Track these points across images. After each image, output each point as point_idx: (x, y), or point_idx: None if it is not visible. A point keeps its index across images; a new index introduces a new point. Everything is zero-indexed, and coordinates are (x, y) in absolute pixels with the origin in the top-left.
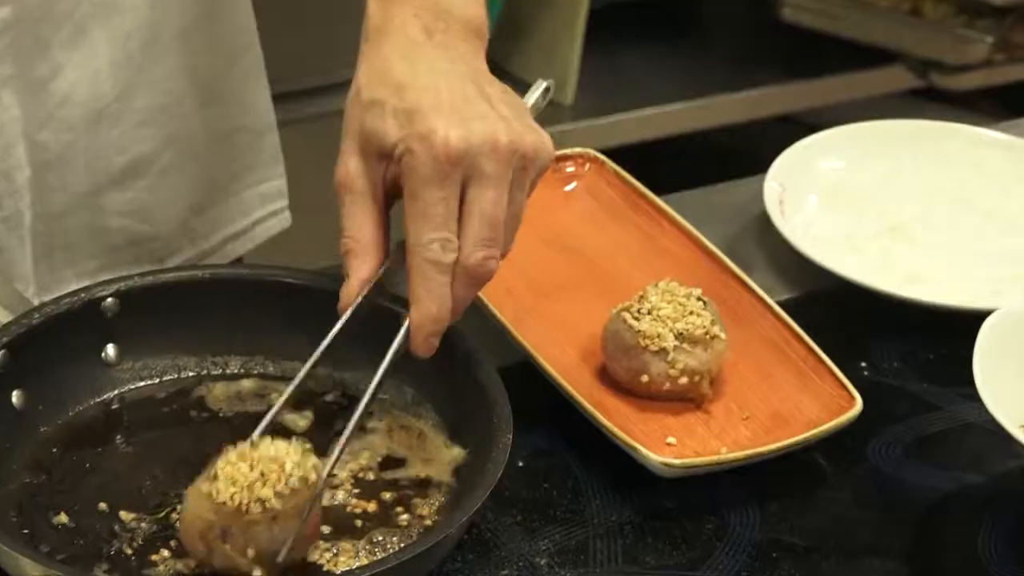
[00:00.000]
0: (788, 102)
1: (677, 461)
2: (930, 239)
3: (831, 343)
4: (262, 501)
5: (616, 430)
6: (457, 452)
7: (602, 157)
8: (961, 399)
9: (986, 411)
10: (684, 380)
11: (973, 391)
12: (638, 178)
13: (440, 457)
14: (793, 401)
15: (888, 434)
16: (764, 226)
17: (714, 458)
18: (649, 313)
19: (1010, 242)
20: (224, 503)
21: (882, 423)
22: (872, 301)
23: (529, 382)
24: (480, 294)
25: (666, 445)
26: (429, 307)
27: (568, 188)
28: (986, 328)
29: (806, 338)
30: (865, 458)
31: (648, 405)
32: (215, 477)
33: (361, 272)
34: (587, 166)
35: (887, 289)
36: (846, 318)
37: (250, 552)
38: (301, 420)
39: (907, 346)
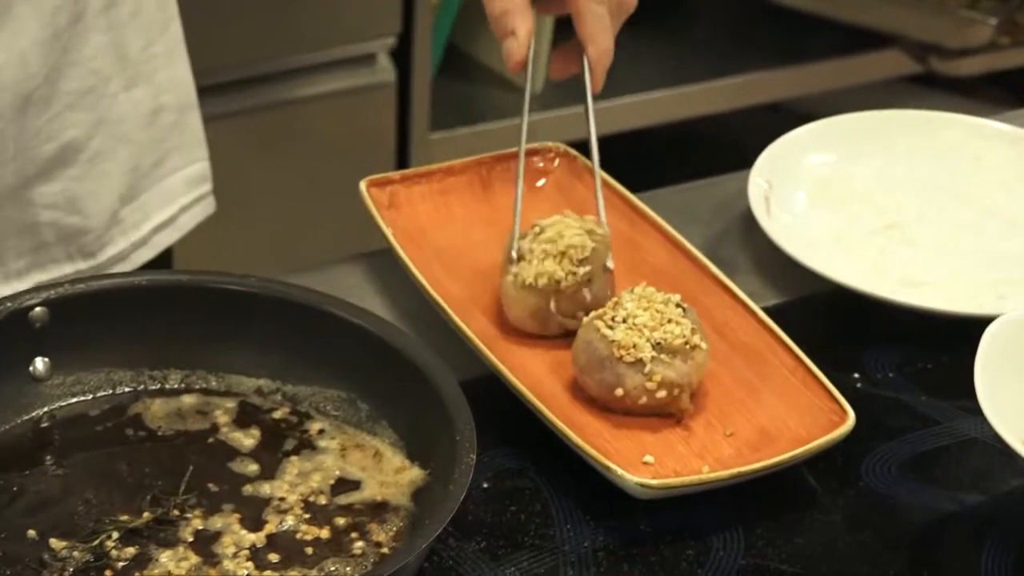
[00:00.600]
0: (776, 90)
1: (655, 482)
2: (928, 239)
3: (821, 352)
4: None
5: (589, 448)
6: (416, 473)
7: (573, 151)
8: (961, 412)
9: (988, 425)
10: (662, 394)
11: (974, 404)
12: (612, 174)
13: (398, 479)
14: (780, 416)
15: (883, 451)
16: (749, 226)
17: (695, 478)
18: (624, 321)
19: (1014, 242)
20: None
21: (876, 439)
22: (865, 307)
23: (495, 397)
24: (444, 303)
25: (643, 464)
26: (605, 42)
27: (537, 184)
28: (988, 335)
29: (794, 347)
30: (858, 477)
31: (623, 421)
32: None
33: (526, 24)
34: (557, 160)
35: (882, 294)
36: (837, 325)
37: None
38: (247, 439)
39: (903, 355)
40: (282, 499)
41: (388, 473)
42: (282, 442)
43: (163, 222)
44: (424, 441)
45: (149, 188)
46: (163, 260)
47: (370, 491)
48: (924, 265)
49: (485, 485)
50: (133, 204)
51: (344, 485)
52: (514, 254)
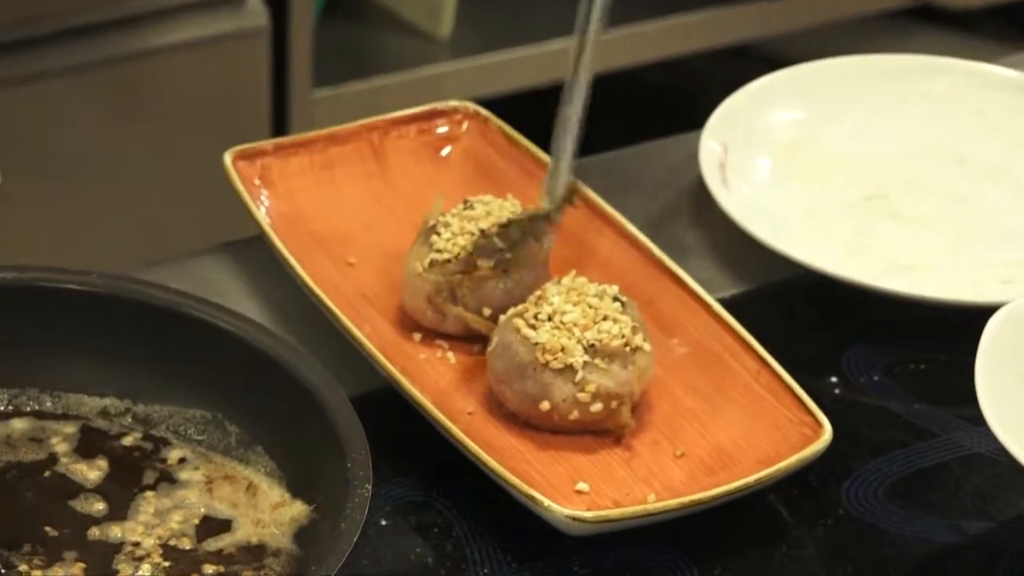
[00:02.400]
0: (739, 29)
1: (590, 514)
2: (919, 213)
3: (791, 353)
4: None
5: (508, 475)
6: (299, 509)
7: (485, 112)
8: (961, 422)
9: (993, 437)
10: (598, 407)
11: (976, 411)
12: (532, 137)
13: (276, 516)
14: (741, 431)
15: (867, 471)
16: (701, 199)
17: (639, 508)
18: (549, 319)
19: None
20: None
21: (859, 457)
22: (844, 296)
23: (394, 414)
24: (329, 301)
25: (575, 493)
26: None
27: (441, 153)
28: (992, 329)
29: (757, 347)
30: (838, 503)
31: (551, 441)
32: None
33: None
34: (465, 124)
35: (863, 279)
36: (810, 319)
37: (486, 311)
38: (91, 471)
39: (890, 354)
40: (136, 544)
41: (264, 510)
42: (135, 475)
43: None
44: (308, 471)
45: None
46: None
47: (243, 532)
48: (914, 244)
49: (384, 522)
50: None
51: (212, 525)
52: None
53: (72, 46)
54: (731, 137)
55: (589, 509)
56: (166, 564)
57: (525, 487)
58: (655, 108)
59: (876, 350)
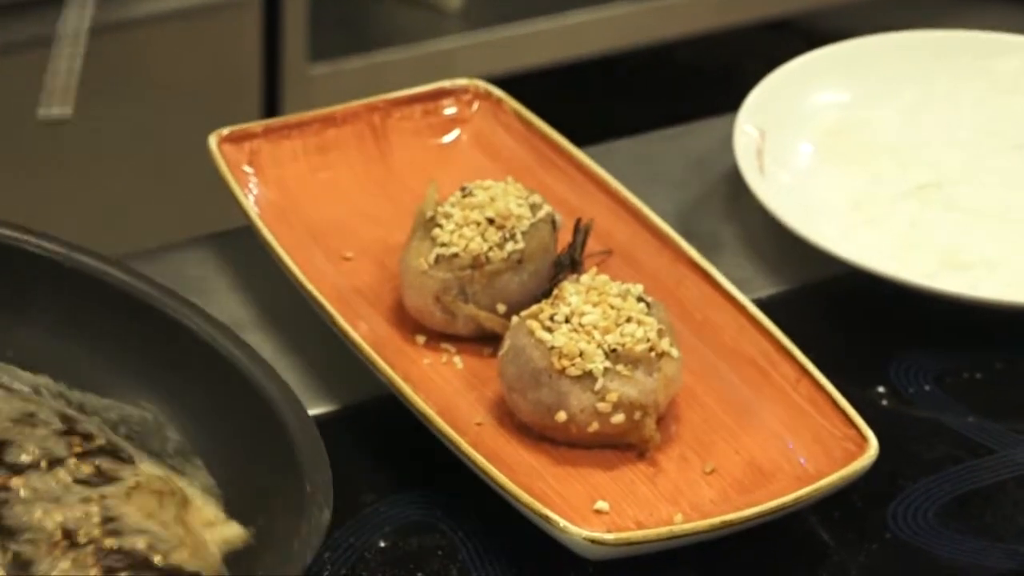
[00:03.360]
0: (778, 1)
1: (610, 536)
2: (977, 204)
3: (834, 359)
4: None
5: (520, 492)
6: (232, 532)
7: (497, 91)
8: (1020, 438)
9: None
10: (619, 418)
11: None
12: (551, 120)
13: (205, 537)
14: (778, 445)
15: (916, 491)
16: (735, 189)
17: (664, 530)
18: (567, 321)
19: None
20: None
21: (907, 475)
22: (893, 297)
23: (394, 425)
24: (322, 298)
25: (594, 513)
26: None
27: (447, 139)
28: None
29: (796, 353)
30: (884, 526)
31: (568, 455)
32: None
33: None
34: (475, 104)
35: (915, 279)
36: (855, 323)
37: (500, 308)
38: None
39: (943, 362)
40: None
41: (193, 528)
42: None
43: None
44: (252, 491)
45: None
46: None
47: (147, 545)
48: (971, 240)
49: (382, 543)
50: None
51: (115, 530)
52: (429, 213)
53: (47, 15)
54: (769, 121)
55: (609, 531)
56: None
57: (539, 506)
58: (685, 88)
59: (928, 357)
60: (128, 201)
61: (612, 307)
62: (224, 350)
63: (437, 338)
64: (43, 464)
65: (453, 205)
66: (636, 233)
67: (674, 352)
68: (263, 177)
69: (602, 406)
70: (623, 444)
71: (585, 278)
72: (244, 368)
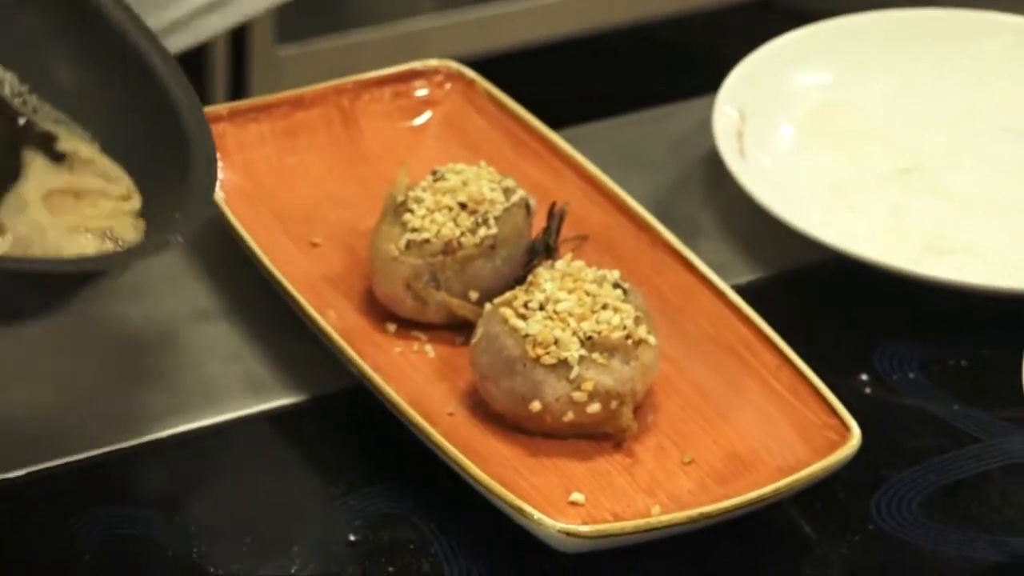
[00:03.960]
0: None
1: (586, 528)
2: (962, 188)
3: (815, 346)
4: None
5: (493, 484)
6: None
7: (470, 73)
8: (1006, 426)
9: None
10: (595, 407)
11: None
12: (524, 102)
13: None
14: (758, 435)
15: (900, 481)
16: (715, 173)
17: (641, 522)
18: (541, 308)
19: None
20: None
21: (891, 465)
22: (876, 283)
23: (364, 416)
24: (290, 286)
25: (569, 505)
26: None
27: (419, 121)
28: None
29: (777, 340)
30: (867, 517)
31: (542, 446)
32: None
33: None
34: (448, 86)
35: (899, 264)
36: (837, 309)
37: (472, 295)
38: None
39: (928, 349)
40: None
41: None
42: None
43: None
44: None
45: None
46: None
47: None
48: (956, 224)
49: (352, 537)
50: None
51: None
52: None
53: None
54: (750, 102)
55: (585, 523)
56: None
57: (512, 498)
58: (663, 69)
59: (912, 344)
60: None
61: (588, 294)
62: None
63: (408, 326)
64: None
65: (424, 189)
66: (612, 218)
67: (651, 339)
68: (229, 161)
69: (577, 395)
70: (599, 434)
71: (560, 264)
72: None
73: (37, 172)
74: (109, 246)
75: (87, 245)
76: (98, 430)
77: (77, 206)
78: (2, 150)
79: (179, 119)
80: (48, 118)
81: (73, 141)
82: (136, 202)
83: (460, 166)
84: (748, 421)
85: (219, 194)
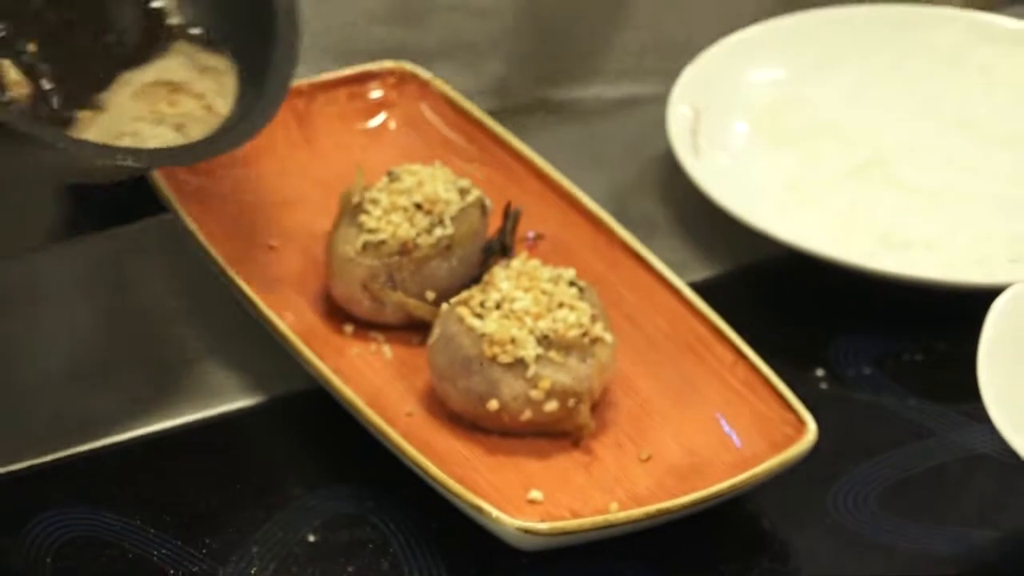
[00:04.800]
0: None
1: (544, 526)
2: (917, 183)
3: (771, 342)
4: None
5: (451, 483)
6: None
7: (425, 74)
8: (962, 419)
9: (998, 436)
10: (553, 406)
11: (979, 407)
12: (477, 99)
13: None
14: (716, 431)
15: (857, 475)
16: (670, 171)
17: (599, 519)
18: (498, 307)
19: None
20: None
21: (848, 459)
22: (832, 278)
23: (322, 417)
24: (245, 286)
25: (528, 503)
26: None
27: (373, 123)
28: (997, 313)
29: (733, 336)
30: (824, 512)
31: (500, 444)
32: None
33: None
34: (402, 87)
35: (855, 259)
36: (793, 305)
37: (429, 295)
38: None
39: (883, 344)
40: None
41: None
42: None
43: None
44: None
45: None
46: None
47: None
48: (911, 219)
49: (311, 538)
50: None
51: None
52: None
53: None
54: (704, 99)
55: (543, 520)
56: None
57: (471, 496)
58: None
59: (867, 339)
60: (44, 186)
61: (544, 292)
62: None
63: (365, 327)
64: None
65: (380, 190)
66: (568, 216)
67: (608, 337)
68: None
69: (535, 394)
70: (557, 432)
71: (516, 263)
72: None
73: (154, 59)
74: (185, 136)
75: (165, 135)
76: (55, 433)
77: (170, 96)
78: (131, 34)
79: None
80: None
81: (183, 35)
82: (224, 96)
83: (415, 167)
84: (705, 417)
85: (173, 195)
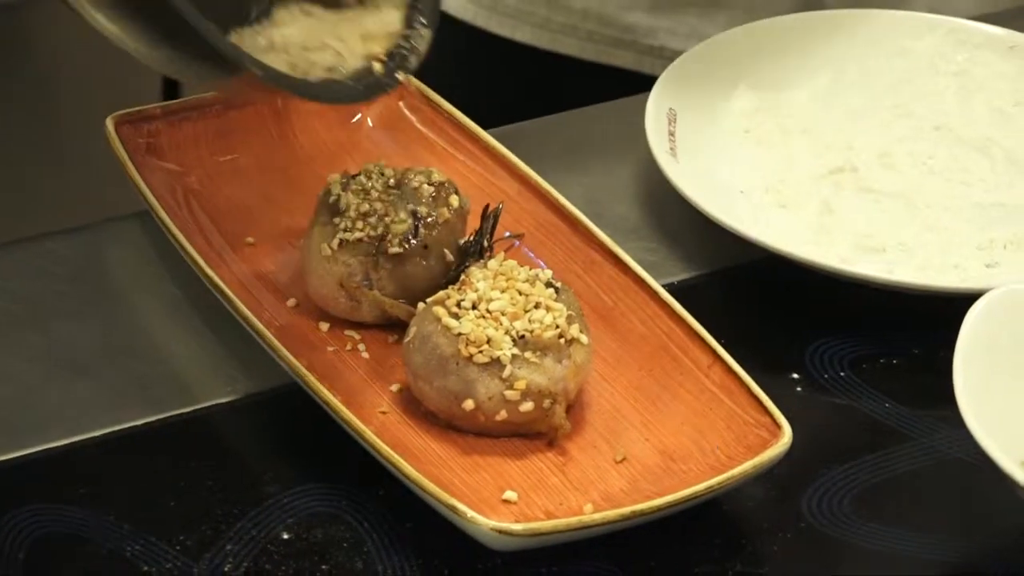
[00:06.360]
0: None
1: (518, 527)
2: (892, 187)
3: (747, 345)
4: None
5: (426, 482)
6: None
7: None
8: (937, 424)
9: (972, 441)
10: (528, 406)
11: (954, 412)
12: (459, 103)
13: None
14: (690, 433)
15: (831, 478)
16: (647, 172)
17: (574, 520)
18: (474, 307)
19: (1010, 192)
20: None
21: (822, 462)
22: (807, 282)
23: (299, 414)
24: (224, 285)
25: (502, 504)
26: None
27: (352, 121)
28: (972, 318)
29: (709, 339)
30: (799, 515)
31: (475, 444)
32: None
33: None
34: None
35: (829, 263)
36: (769, 308)
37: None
38: None
39: (859, 348)
40: None
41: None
42: None
43: None
44: None
45: None
46: None
47: None
48: (887, 223)
49: (285, 535)
50: None
51: None
52: (332, 198)
53: None
54: (681, 102)
55: (518, 521)
56: None
57: (445, 496)
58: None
59: (843, 343)
60: (24, 185)
61: (520, 293)
62: None
63: (341, 325)
64: None
65: (357, 189)
66: (545, 217)
67: (584, 338)
68: (162, 160)
69: (510, 394)
70: (532, 433)
71: (493, 263)
72: None
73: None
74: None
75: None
76: (30, 428)
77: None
78: None
79: None
80: None
81: None
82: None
83: (392, 168)
84: (680, 419)
85: (151, 193)
